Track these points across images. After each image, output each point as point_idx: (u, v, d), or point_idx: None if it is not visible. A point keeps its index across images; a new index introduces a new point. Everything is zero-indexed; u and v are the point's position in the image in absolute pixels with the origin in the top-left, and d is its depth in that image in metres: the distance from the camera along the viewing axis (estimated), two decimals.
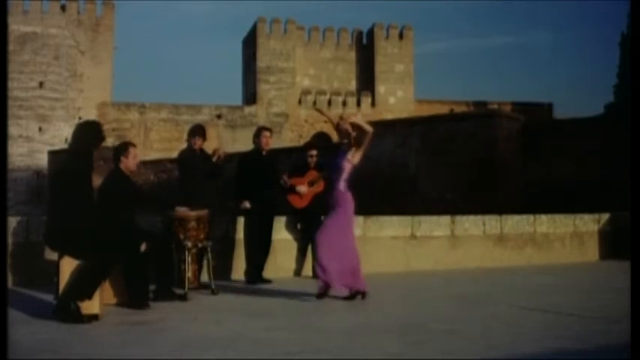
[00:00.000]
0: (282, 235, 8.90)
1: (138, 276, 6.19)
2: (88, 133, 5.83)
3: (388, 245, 9.62)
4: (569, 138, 17.07)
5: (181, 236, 6.93)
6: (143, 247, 6.20)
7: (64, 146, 35.80)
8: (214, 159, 7.93)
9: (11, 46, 42.73)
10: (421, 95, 51.04)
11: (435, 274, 9.24)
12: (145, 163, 27.23)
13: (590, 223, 11.59)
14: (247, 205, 8.15)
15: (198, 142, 7.89)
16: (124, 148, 6.74)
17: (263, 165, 8.28)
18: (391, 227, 9.77)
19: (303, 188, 8.56)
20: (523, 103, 49.05)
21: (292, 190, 8.59)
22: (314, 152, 9.01)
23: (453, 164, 17.22)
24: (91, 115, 40.87)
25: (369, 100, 49.06)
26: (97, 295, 5.51)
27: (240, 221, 8.54)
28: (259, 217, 8.22)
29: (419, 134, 18.18)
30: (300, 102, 49.08)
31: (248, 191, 8.16)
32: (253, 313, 5.97)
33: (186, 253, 6.98)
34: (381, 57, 50.28)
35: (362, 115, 44.97)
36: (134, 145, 6.89)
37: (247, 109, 48.50)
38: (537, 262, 10.73)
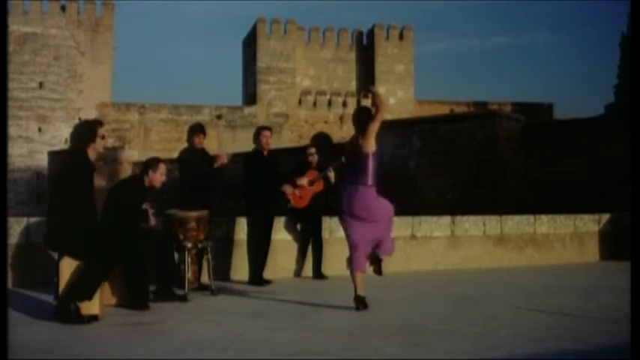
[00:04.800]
0: (282, 235, 8.89)
1: (138, 277, 6.19)
2: (82, 132, 5.82)
3: None
4: (570, 138, 17.07)
5: (181, 237, 6.91)
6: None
7: (64, 147, 35.84)
8: (216, 165, 7.86)
9: (11, 47, 42.75)
10: (421, 96, 51.13)
11: (435, 275, 9.24)
12: None
13: (590, 224, 11.58)
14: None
15: (200, 141, 7.85)
16: (154, 163, 6.72)
17: (265, 165, 8.26)
18: None
19: (304, 181, 8.51)
20: (523, 103, 49.08)
21: (292, 186, 8.56)
22: (312, 150, 9.02)
23: (454, 164, 17.22)
24: (91, 115, 40.86)
25: (369, 100, 48.84)
26: (97, 296, 5.51)
27: (241, 222, 8.54)
28: (264, 218, 8.20)
29: (419, 134, 18.17)
30: (300, 102, 49.10)
31: (257, 191, 8.12)
32: (253, 313, 5.97)
33: (186, 254, 6.97)
34: (381, 57, 50.31)
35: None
36: (165, 163, 6.86)
37: (247, 110, 48.51)
38: (538, 262, 10.72)
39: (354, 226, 6.06)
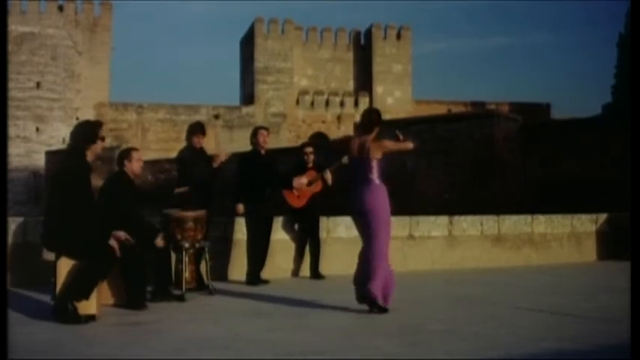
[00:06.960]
0: (280, 235, 8.88)
1: (136, 276, 6.18)
2: (83, 132, 5.81)
3: None
4: (568, 138, 17.08)
5: (179, 237, 6.90)
6: (160, 241, 6.52)
7: (62, 147, 35.78)
8: (214, 165, 7.82)
9: (9, 47, 42.66)
10: (419, 95, 51.15)
11: (432, 275, 9.23)
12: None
13: (587, 224, 11.58)
14: (241, 209, 8.14)
15: (200, 140, 7.82)
16: (127, 153, 6.82)
17: (263, 165, 8.24)
18: None
19: (303, 179, 8.49)
20: (521, 103, 49.10)
21: (290, 186, 8.53)
22: (309, 150, 8.98)
23: (452, 164, 17.22)
24: (88, 115, 40.85)
25: (367, 100, 49.03)
26: (94, 296, 5.50)
27: (239, 222, 8.51)
28: (262, 218, 8.18)
29: (417, 134, 18.14)
30: (297, 102, 49.09)
31: (249, 192, 8.10)
32: (251, 313, 5.96)
33: (184, 254, 6.96)
34: (379, 57, 50.31)
35: (359, 116, 45.18)
36: (137, 150, 6.99)
37: (245, 110, 48.50)
38: (535, 262, 10.72)
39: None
